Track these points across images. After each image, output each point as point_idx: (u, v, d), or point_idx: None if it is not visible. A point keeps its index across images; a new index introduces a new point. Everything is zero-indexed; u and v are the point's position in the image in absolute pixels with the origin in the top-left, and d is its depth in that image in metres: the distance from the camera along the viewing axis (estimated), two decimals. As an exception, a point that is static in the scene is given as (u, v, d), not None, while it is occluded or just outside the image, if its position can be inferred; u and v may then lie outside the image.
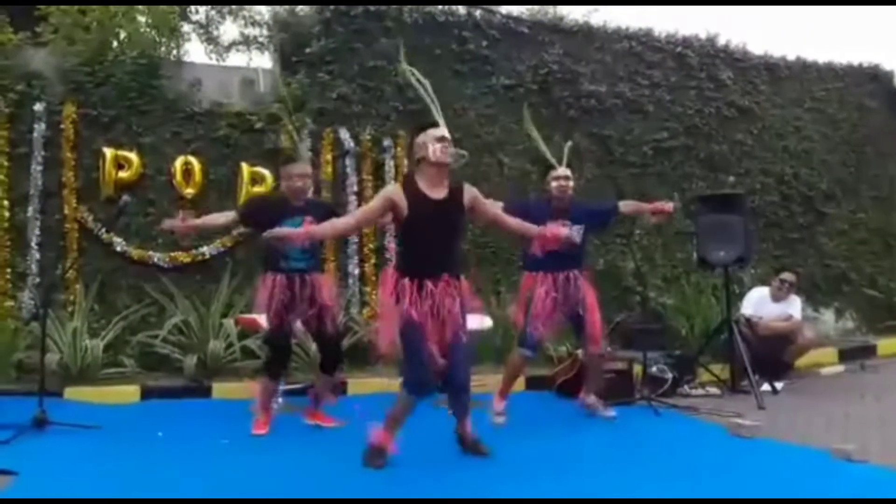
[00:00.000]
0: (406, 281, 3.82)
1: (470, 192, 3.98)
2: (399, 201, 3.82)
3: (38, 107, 6.42)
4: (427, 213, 3.81)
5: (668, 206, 5.40)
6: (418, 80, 4.12)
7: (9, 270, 6.31)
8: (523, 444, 4.36)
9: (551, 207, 5.08)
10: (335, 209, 5.22)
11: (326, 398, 5.04)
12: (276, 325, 4.74)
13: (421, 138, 3.90)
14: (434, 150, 3.83)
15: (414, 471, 3.80)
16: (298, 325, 4.91)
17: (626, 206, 5.46)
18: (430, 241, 3.85)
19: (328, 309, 4.83)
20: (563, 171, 5.14)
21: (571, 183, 5.16)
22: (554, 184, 5.13)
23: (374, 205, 3.93)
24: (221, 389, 5.91)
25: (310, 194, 5.01)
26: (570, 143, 5.37)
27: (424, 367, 3.81)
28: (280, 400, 5.34)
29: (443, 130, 3.89)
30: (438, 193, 3.87)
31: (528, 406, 5.53)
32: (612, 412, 5.21)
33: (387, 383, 5.67)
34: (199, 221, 5.02)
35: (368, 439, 3.88)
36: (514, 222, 4.26)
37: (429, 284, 3.81)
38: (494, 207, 4.31)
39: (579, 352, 5.60)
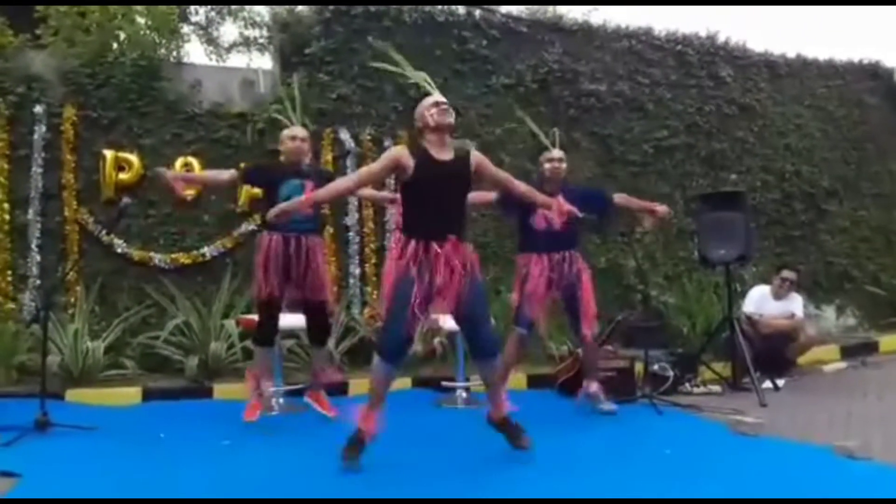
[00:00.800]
0: (412, 243, 3.81)
1: (476, 155, 4.01)
2: (405, 161, 3.82)
3: (38, 109, 6.42)
4: (433, 173, 3.82)
5: (661, 207, 5.39)
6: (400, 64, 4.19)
7: (9, 273, 6.31)
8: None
9: (542, 190, 5.07)
10: (331, 175, 5.30)
11: (326, 375, 5.10)
12: (268, 286, 4.75)
13: (418, 110, 3.97)
14: (432, 115, 3.87)
15: (415, 470, 3.80)
16: (296, 321, 4.93)
17: (620, 198, 5.47)
18: (437, 201, 3.84)
19: (319, 274, 4.87)
20: (557, 152, 5.20)
21: (565, 165, 5.20)
22: (547, 165, 5.18)
23: (379, 164, 3.94)
24: (223, 390, 5.90)
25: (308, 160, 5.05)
26: (556, 130, 5.40)
27: (401, 333, 3.78)
28: (281, 400, 5.36)
29: (436, 96, 3.95)
30: (444, 155, 3.89)
31: (529, 404, 5.48)
32: (612, 406, 5.22)
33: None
34: (192, 174, 5.06)
35: (354, 420, 3.87)
36: (524, 187, 4.26)
37: (435, 246, 3.79)
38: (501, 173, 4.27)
39: (580, 351, 5.60)
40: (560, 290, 5.07)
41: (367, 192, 5.15)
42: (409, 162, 3.82)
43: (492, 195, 4.99)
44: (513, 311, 5.25)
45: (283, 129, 5.06)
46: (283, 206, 3.96)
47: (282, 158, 5.01)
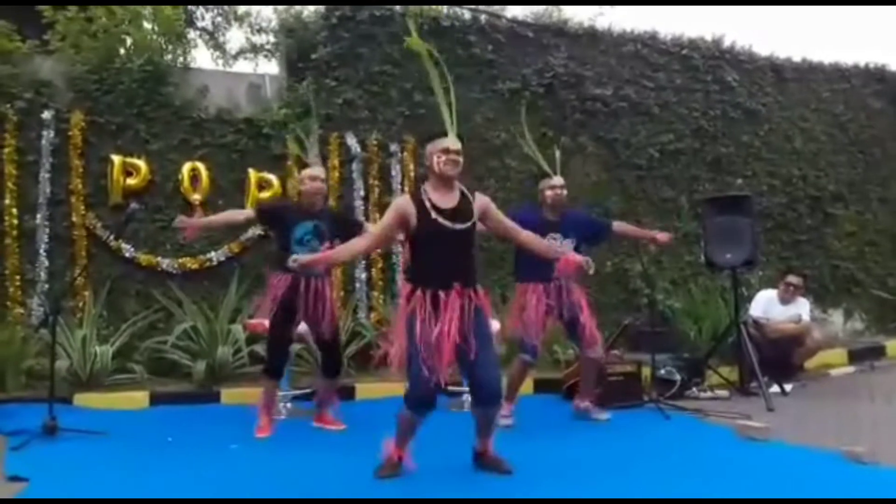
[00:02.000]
0: (419, 293, 3.74)
1: (481, 200, 3.90)
2: (408, 212, 3.75)
3: (46, 114, 6.45)
4: (436, 222, 3.73)
5: (664, 236, 5.40)
6: (444, 88, 3.93)
7: (18, 278, 6.32)
8: (531, 447, 4.36)
9: (542, 219, 5.07)
10: (346, 217, 5.33)
11: (330, 401, 5.09)
12: (275, 325, 4.81)
13: (428, 148, 3.86)
14: (438, 163, 3.77)
15: (422, 473, 3.79)
16: (304, 327, 4.94)
17: (619, 226, 5.47)
18: (441, 250, 3.76)
19: (330, 313, 4.89)
20: (558, 179, 5.16)
21: (565, 192, 5.18)
22: (549, 192, 5.15)
23: (386, 220, 3.86)
24: (230, 395, 5.93)
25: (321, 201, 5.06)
26: (559, 153, 5.36)
27: (425, 384, 3.68)
28: (289, 405, 5.37)
29: (448, 141, 3.78)
30: (448, 202, 3.79)
31: (536, 409, 5.53)
32: (605, 415, 5.23)
33: (395, 388, 5.68)
34: (211, 219, 5.10)
35: (382, 453, 3.84)
36: (528, 237, 4.10)
37: (441, 296, 3.71)
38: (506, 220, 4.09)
39: (581, 366, 5.58)
40: (559, 317, 5.07)
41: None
42: (413, 213, 3.74)
43: None
44: (515, 338, 5.24)
45: (290, 134, 5.07)
46: (303, 258, 3.87)
47: (298, 194, 5.02)
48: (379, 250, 7.02)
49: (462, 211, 3.79)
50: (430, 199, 3.76)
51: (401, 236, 4.07)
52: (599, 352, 5.17)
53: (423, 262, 3.82)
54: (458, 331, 3.69)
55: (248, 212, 5.06)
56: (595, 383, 5.29)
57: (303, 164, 5.28)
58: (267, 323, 5.05)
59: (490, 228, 4.04)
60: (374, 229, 4.29)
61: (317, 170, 4.97)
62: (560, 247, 4.46)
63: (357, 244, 4.01)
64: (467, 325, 3.72)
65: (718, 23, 13.25)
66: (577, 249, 5.09)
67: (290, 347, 5.01)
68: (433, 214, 3.73)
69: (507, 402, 5.14)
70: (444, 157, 3.76)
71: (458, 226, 3.76)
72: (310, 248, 4.66)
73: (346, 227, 4.96)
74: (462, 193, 3.85)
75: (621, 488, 3.50)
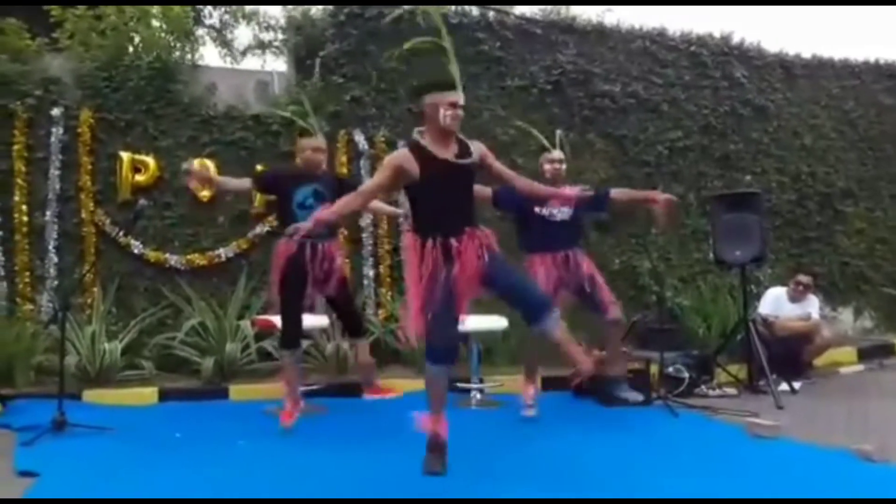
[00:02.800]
0: (430, 243, 3.71)
1: (479, 147, 3.89)
2: (409, 165, 3.72)
3: (55, 111, 6.48)
4: (439, 172, 3.71)
5: (661, 196, 5.30)
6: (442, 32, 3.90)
7: (27, 274, 6.36)
8: (538, 445, 4.35)
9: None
10: (345, 180, 5.38)
11: (371, 371, 5.24)
12: (285, 290, 4.81)
13: (433, 98, 3.76)
14: (444, 116, 3.71)
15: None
16: (310, 322, 4.97)
17: (618, 192, 5.40)
18: (447, 198, 3.75)
19: (339, 276, 4.95)
20: (557, 153, 5.15)
21: (564, 166, 5.17)
22: (547, 166, 5.14)
23: (383, 174, 3.81)
24: (238, 391, 5.94)
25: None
26: (560, 131, 5.34)
27: (446, 333, 3.68)
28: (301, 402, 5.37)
29: (457, 95, 3.75)
30: (447, 152, 3.77)
31: (543, 406, 5.50)
32: (639, 396, 5.25)
33: (403, 384, 5.69)
34: (215, 178, 5.22)
35: (423, 431, 3.78)
36: (525, 182, 4.10)
37: (453, 242, 3.70)
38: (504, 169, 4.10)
39: (596, 352, 5.57)
40: (570, 288, 5.03)
41: (377, 205, 5.18)
42: (414, 165, 3.71)
43: (489, 191, 4.84)
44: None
45: (301, 136, 5.05)
46: (296, 226, 3.99)
47: (298, 163, 5.03)
48: (386, 247, 7.05)
49: (461, 158, 3.80)
50: (430, 150, 3.75)
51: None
52: (619, 312, 5.14)
53: (431, 212, 3.80)
54: (478, 270, 3.69)
55: (245, 181, 5.05)
56: (619, 351, 5.29)
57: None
58: (275, 321, 5.07)
59: (488, 173, 4.01)
60: (367, 184, 4.21)
61: (319, 141, 4.97)
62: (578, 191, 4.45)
63: (351, 201, 3.93)
64: (485, 262, 3.71)
65: (727, 19, 13.22)
66: (576, 220, 5.10)
67: (301, 316, 4.95)
68: (435, 163, 3.71)
69: (528, 380, 5.15)
70: (451, 112, 3.73)
71: (463, 161, 3.77)
72: (312, 212, 4.68)
73: (345, 191, 4.97)
74: (459, 141, 3.85)
75: (629, 486, 3.49)
